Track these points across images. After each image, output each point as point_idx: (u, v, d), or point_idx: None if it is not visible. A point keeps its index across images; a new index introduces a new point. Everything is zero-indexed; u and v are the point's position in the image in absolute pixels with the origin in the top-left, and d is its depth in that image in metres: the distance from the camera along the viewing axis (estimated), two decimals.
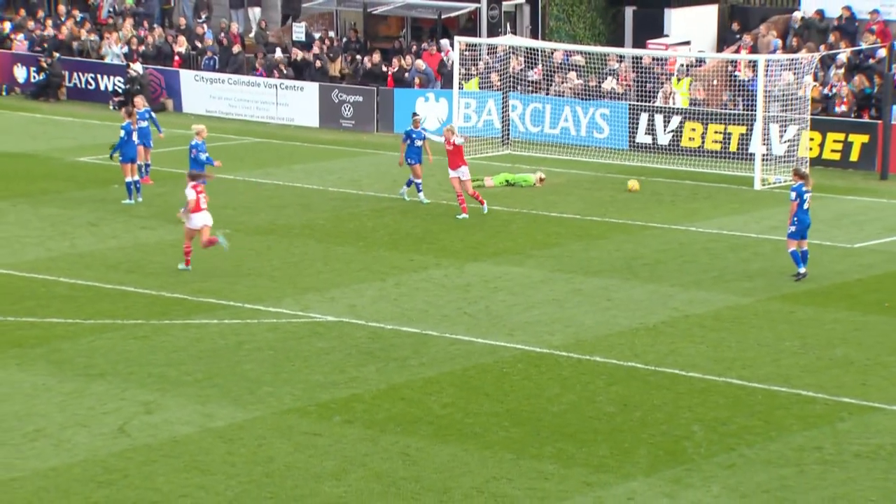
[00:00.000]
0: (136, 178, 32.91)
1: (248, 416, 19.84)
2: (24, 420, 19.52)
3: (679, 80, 40.11)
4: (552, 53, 41.80)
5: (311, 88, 44.23)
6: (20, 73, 47.79)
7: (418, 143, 33.07)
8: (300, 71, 45.33)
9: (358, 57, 45.67)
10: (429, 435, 19.21)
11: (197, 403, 20.31)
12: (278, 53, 45.75)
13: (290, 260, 28.39)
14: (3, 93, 47.44)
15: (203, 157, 31.58)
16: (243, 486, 17.54)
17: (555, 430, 19.41)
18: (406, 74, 43.68)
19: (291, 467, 18.13)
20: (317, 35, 47.39)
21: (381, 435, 19.22)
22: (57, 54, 47.12)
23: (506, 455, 18.53)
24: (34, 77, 47.23)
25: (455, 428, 19.51)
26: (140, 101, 35.04)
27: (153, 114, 35.08)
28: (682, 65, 40.55)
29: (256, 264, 27.95)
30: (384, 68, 44.36)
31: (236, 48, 46.75)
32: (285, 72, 45.04)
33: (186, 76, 45.86)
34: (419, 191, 33.29)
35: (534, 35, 46.34)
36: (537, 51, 41.84)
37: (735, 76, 40.40)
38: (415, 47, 45.74)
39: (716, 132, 38.67)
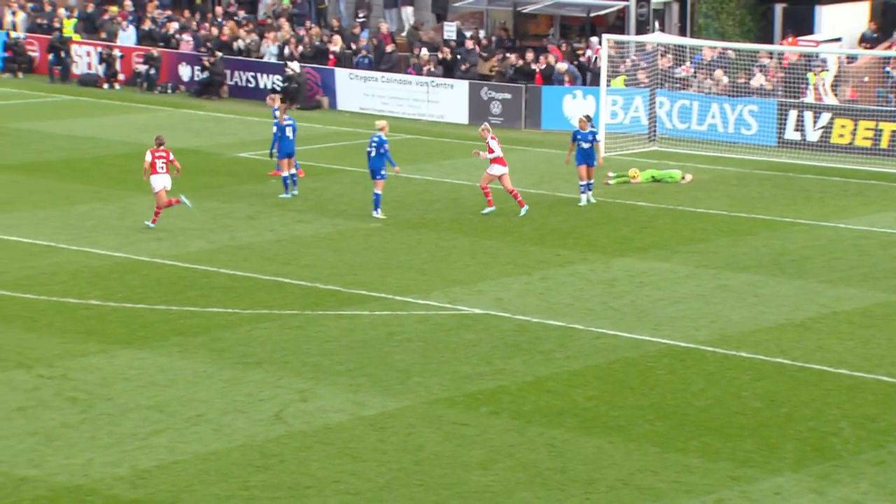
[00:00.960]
0: (293, 172, 33.33)
1: (398, 405, 20.01)
2: (187, 405, 19.93)
3: (816, 73, 39.50)
4: (701, 50, 41.41)
5: (461, 86, 44.38)
6: (185, 71, 48.72)
7: (584, 144, 32.53)
8: (450, 69, 45.52)
9: (507, 55, 45.73)
10: (574, 427, 19.19)
11: (349, 392, 20.54)
12: (425, 52, 46.00)
13: (438, 253, 28.54)
14: (169, 91, 48.40)
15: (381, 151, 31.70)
16: (393, 474, 17.70)
17: (700, 425, 19.25)
18: (553, 73, 43.62)
19: (440, 456, 18.25)
20: (468, 34, 47.55)
21: (528, 426, 19.24)
22: (220, 54, 47.94)
23: (651, 448, 18.43)
24: (198, 76, 48.11)
25: (600, 420, 19.46)
26: (272, 100, 35.48)
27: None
28: (823, 59, 39.94)
29: (406, 257, 28.15)
30: (533, 66, 44.35)
31: (389, 47, 47.11)
32: (434, 70, 45.27)
33: (341, 74, 46.34)
34: (582, 192, 32.75)
35: (682, 32, 45.95)
36: (685, 47, 41.46)
37: (888, 72, 39.62)
38: (563, 46, 45.65)
39: (867, 129, 37.96)
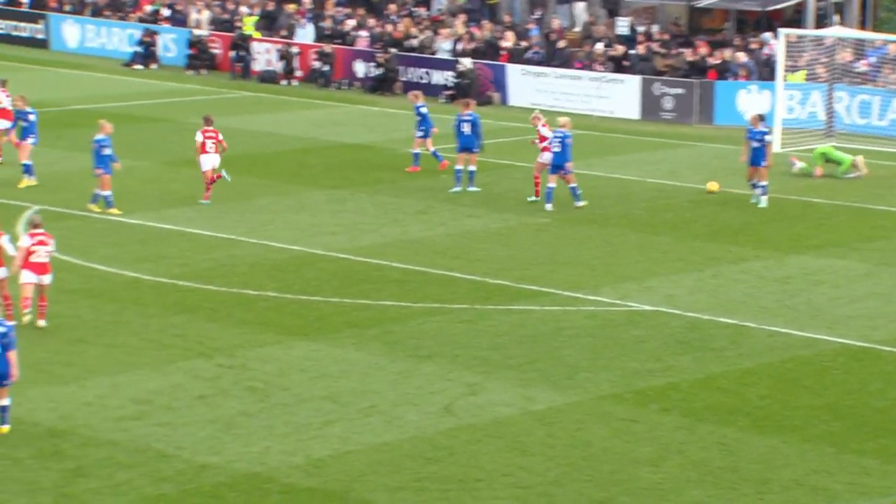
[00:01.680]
0: (471, 168, 33.39)
1: (566, 401, 19.93)
2: (360, 396, 20.13)
3: None
4: (885, 44, 40.44)
5: (633, 81, 44.04)
6: (359, 68, 49.21)
7: (754, 143, 31.86)
8: (621, 64, 45.20)
9: (680, 50, 45.24)
10: (746, 426, 18.90)
11: (518, 386, 20.53)
12: (599, 47, 45.73)
13: (607, 249, 28.36)
14: (345, 87, 48.93)
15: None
16: (562, 468, 17.64)
17: (878, 426, 18.80)
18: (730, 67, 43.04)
19: (609, 452, 18.13)
20: (640, 28, 47.16)
21: (698, 424, 19.01)
22: (393, 50, 48.33)
23: (826, 449, 18.06)
24: (372, 72, 48.56)
25: (773, 420, 19.13)
26: (415, 97, 35.71)
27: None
28: None
29: (576, 253, 28.03)
30: (707, 61, 43.80)
31: (562, 42, 46.96)
32: (605, 66, 44.99)
33: (513, 70, 46.33)
34: (755, 188, 32.16)
35: (862, 26, 44.92)
36: (864, 41, 40.52)
37: None
38: (738, 40, 44.99)
39: None
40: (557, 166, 31.25)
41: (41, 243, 22.82)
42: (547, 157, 31.80)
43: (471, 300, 24.72)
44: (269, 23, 52.47)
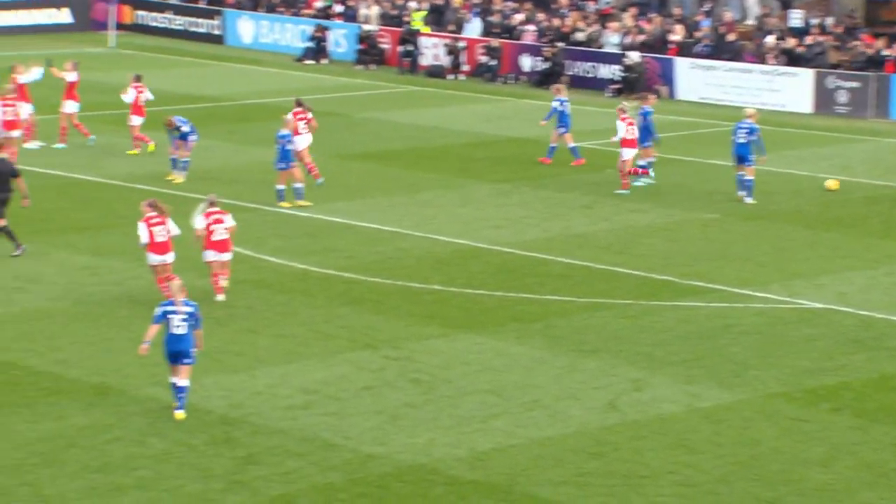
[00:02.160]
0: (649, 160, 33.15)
1: (733, 398, 19.64)
2: (523, 390, 20.10)
3: None
4: None
5: (806, 75, 43.23)
6: (526, 62, 49.17)
7: None
8: (793, 57, 44.39)
9: (855, 42, 44.26)
10: None
11: (683, 383, 20.29)
12: (770, 39, 44.97)
13: (777, 245, 27.87)
14: (511, 81, 48.92)
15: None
16: (729, 467, 17.38)
17: None
18: None
19: (777, 451, 17.81)
20: (814, 21, 46.25)
21: (872, 425, 18.56)
22: (560, 44, 48.17)
23: None
24: (538, 66, 48.47)
25: None
26: (562, 88, 35.52)
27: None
28: None
29: (744, 249, 27.60)
30: (885, 53, 42.77)
31: (732, 35, 46.30)
32: (777, 59, 44.23)
33: (681, 64, 45.84)
34: None
35: None
36: None
37: None
38: None
39: None
40: (743, 157, 31.01)
41: (218, 221, 23.98)
42: (626, 153, 31.36)
43: (635, 296, 24.51)
44: (437, 18, 52.72)
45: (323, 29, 52.84)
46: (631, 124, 32.18)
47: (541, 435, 18.44)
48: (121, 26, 56.35)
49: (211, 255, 23.94)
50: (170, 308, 18.96)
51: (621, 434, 18.44)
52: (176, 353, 18.93)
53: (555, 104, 35.04)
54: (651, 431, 18.53)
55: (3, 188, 26.40)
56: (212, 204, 24.15)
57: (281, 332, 22.53)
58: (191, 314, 18.92)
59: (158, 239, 23.58)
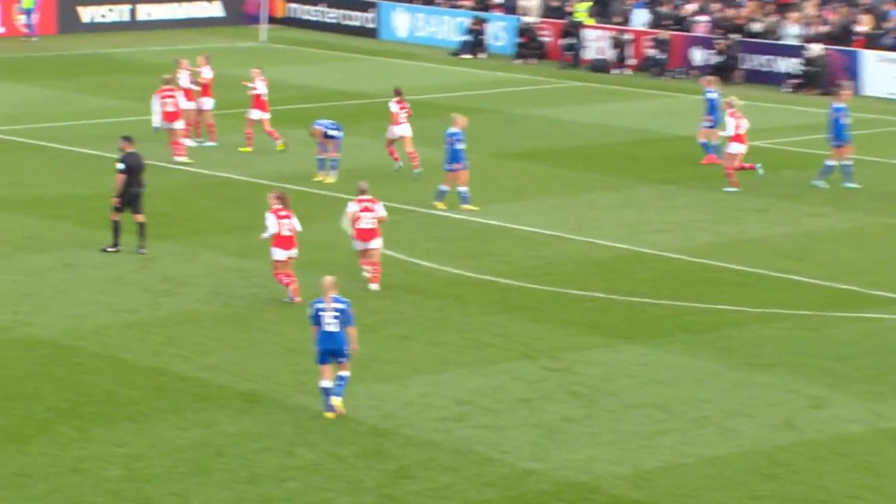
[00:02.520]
0: (844, 162, 32.55)
1: None
2: (691, 405, 19.85)
3: None
4: None
5: None
6: (697, 55, 48.66)
7: None
8: None
9: None
10: None
11: (868, 401, 19.85)
12: None
13: None
14: (680, 75, 48.47)
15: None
16: None
17: None
18: None
19: None
20: None
21: None
22: (735, 36, 47.58)
23: None
24: (711, 59, 47.93)
25: None
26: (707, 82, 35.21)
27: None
28: None
29: None
30: None
31: None
32: None
33: (868, 57, 44.94)
34: None
35: None
36: None
37: None
38: None
39: None
40: None
41: (367, 210, 24.84)
42: (736, 148, 31.12)
43: (815, 306, 24.06)
44: (601, 9, 52.48)
45: (481, 21, 52.94)
46: (740, 119, 31.79)
47: (711, 454, 18.19)
48: (272, 20, 57.18)
49: (355, 245, 24.86)
50: (320, 305, 19.28)
51: (798, 455, 18.10)
52: (330, 351, 19.24)
53: (711, 96, 34.70)
54: (831, 452, 18.15)
55: (135, 182, 26.95)
56: (362, 192, 24.96)
57: (434, 339, 22.59)
58: (342, 311, 19.23)
59: (284, 232, 24.19)
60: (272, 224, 24.17)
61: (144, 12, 56.64)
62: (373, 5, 56.61)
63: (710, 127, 34.81)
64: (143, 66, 47.52)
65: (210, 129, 36.40)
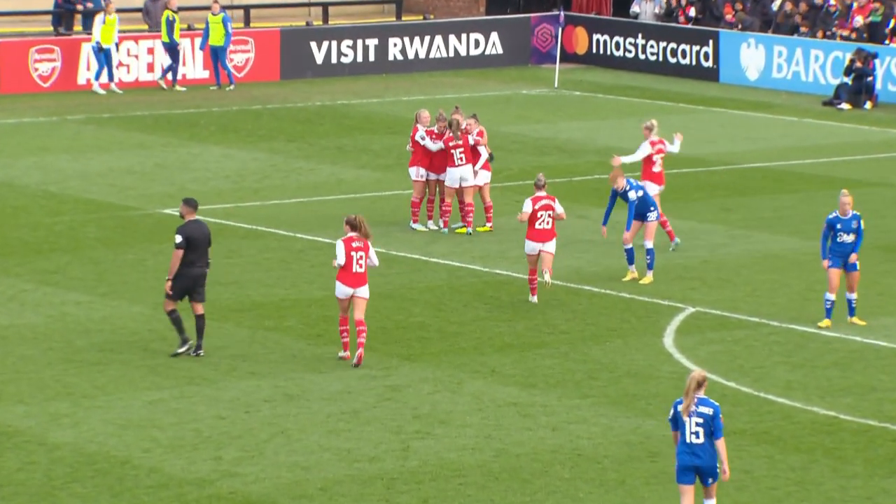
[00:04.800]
0: None
1: None
2: None
3: None
4: None
5: None
6: None
7: None
8: None
9: None
10: None
11: None
12: None
13: None
14: None
15: None
16: None
17: None
18: None
19: None
20: None
21: None
22: None
23: None
24: None
25: None
26: None
27: None
28: None
29: None
30: None
31: None
32: None
33: None
34: None
35: None
36: None
37: None
38: None
39: None
40: None
41: (546, 207, 29.88)
42: None
43: None
44: None
45: (867, 56, 52.23)
46: None
47: None
48: (568, 57, 57.81)
49: (529, 247, 29.94)
50: (680, 407, 20.15)
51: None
52: (690, 467, 20.09)
53: None
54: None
55: (200, 261, 27.56)
56: (539, 187, 29.96)
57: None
58: (709, 416, 20.01)
59: (355, 269, 26.83)
60: (341, 253, 26.79)
61: (394, 49, 57.50)
62: (711, 35, 56.57)
63: None
64: (393, 122, 48.40)
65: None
